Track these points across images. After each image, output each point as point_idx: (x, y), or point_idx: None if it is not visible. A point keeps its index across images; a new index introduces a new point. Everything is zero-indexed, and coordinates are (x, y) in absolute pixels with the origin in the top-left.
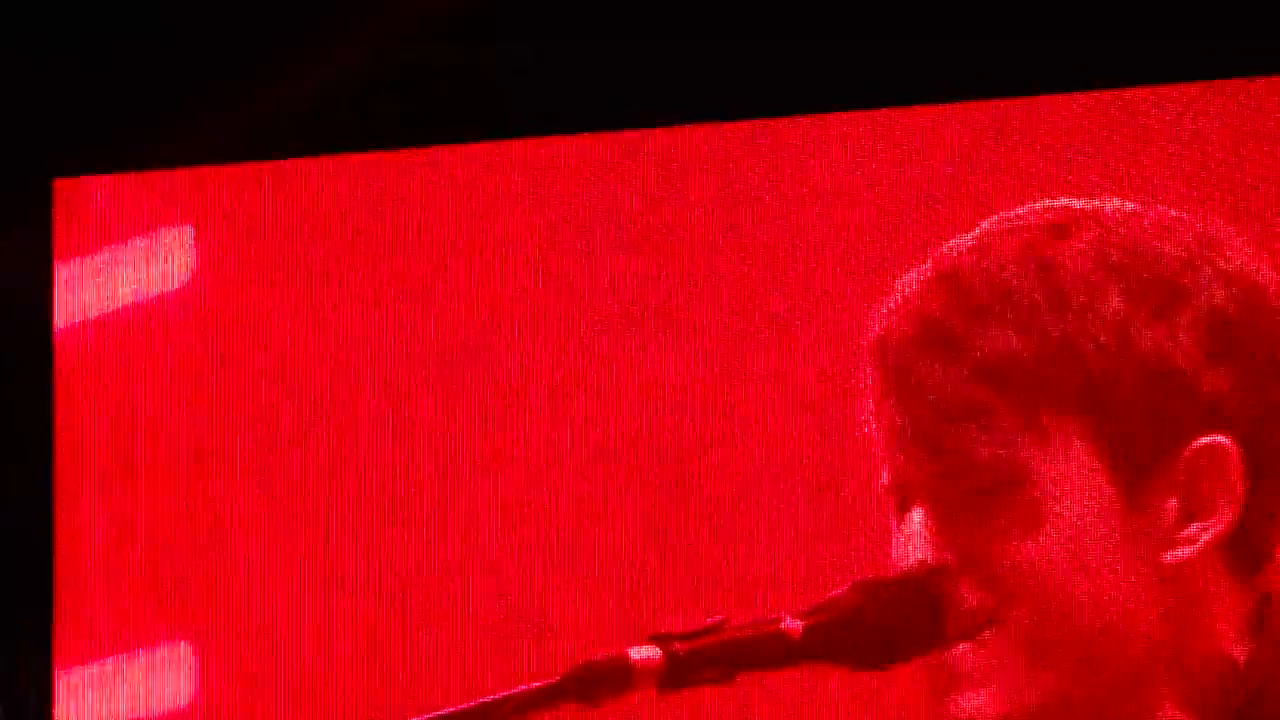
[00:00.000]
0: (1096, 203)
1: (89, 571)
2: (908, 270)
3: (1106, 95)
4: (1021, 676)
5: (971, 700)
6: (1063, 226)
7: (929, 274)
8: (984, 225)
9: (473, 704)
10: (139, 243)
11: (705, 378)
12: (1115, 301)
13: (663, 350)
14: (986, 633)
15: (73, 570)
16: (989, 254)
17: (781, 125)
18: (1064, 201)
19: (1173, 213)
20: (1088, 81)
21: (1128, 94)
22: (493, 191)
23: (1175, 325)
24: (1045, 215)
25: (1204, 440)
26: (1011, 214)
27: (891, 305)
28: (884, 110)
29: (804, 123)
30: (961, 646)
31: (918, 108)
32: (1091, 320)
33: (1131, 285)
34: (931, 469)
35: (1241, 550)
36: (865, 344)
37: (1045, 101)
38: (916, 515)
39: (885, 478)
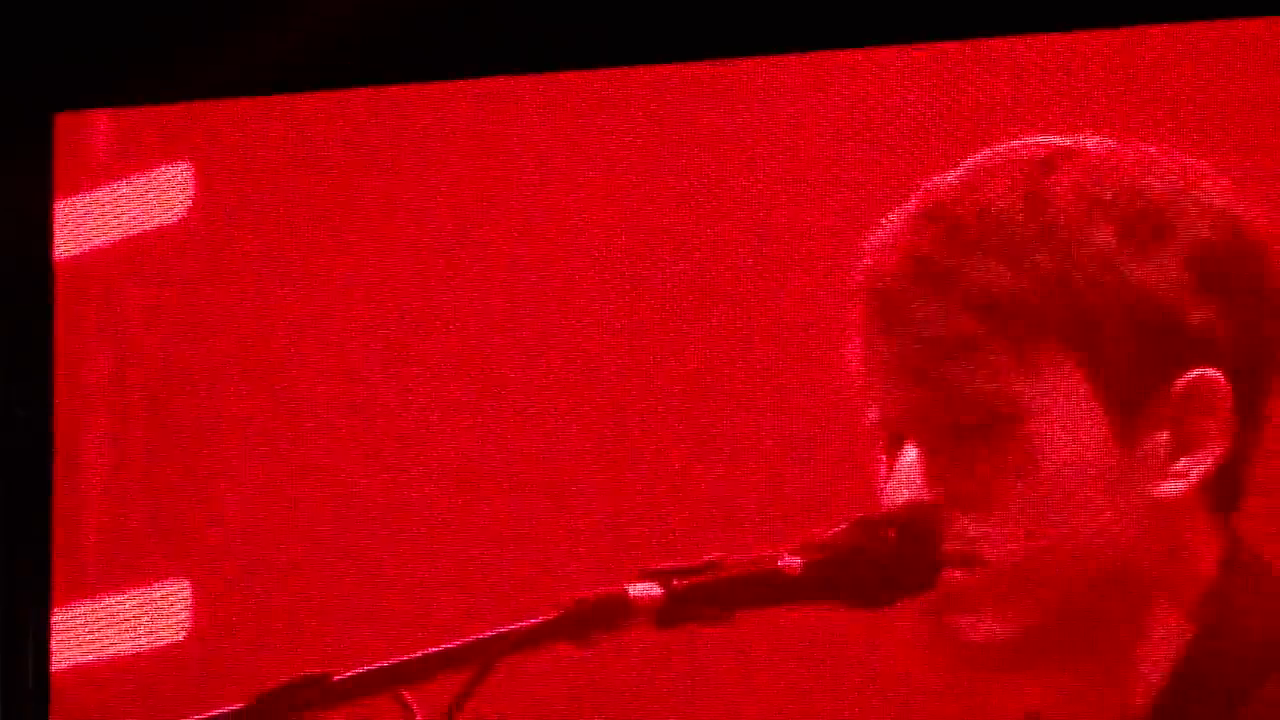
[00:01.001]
0: (1079, 139)
1: (87, 507)
2: (892, 209)
3: (1089, 35)
4: (1020, 603)
5: (971, 622)
6: (1050, 161)
7: (916, 209)
8: (969, 161)
9: (470, 640)
10: (140, 176)
11: (699, 314)
12: (1105, 235)
13: (658, 287)
14: (981, 564)
15: (71, 506)
16: (977, 189)
17: (766, 64)
18: (1046, 138)
19: (1152, 149)
20: (1070, 21)
21: (1108, 34)
22: (500, 127)
23: (1163, 259)
24: (1032, 150)
25: (1194, 373)
26: (996, 150)
27: (879, 241)
28: (867, 49)
29: (785, 61)
30: (957, 574)
31: (902, 47)
32: (1082, 254)
33: (1120, 219)
34: (923, 404)
35: (1222, 487)
36: (853, 281)
37: (1028, 41)
38: (908, 453)
39: (874, 414)
